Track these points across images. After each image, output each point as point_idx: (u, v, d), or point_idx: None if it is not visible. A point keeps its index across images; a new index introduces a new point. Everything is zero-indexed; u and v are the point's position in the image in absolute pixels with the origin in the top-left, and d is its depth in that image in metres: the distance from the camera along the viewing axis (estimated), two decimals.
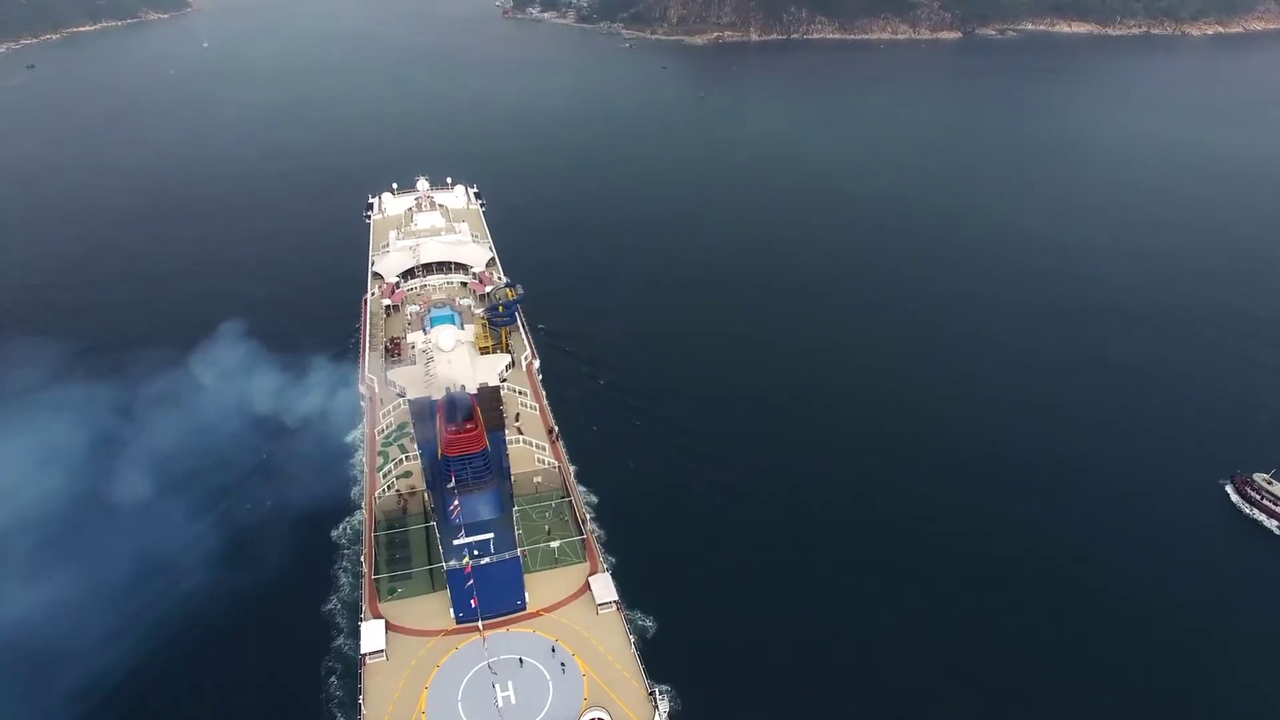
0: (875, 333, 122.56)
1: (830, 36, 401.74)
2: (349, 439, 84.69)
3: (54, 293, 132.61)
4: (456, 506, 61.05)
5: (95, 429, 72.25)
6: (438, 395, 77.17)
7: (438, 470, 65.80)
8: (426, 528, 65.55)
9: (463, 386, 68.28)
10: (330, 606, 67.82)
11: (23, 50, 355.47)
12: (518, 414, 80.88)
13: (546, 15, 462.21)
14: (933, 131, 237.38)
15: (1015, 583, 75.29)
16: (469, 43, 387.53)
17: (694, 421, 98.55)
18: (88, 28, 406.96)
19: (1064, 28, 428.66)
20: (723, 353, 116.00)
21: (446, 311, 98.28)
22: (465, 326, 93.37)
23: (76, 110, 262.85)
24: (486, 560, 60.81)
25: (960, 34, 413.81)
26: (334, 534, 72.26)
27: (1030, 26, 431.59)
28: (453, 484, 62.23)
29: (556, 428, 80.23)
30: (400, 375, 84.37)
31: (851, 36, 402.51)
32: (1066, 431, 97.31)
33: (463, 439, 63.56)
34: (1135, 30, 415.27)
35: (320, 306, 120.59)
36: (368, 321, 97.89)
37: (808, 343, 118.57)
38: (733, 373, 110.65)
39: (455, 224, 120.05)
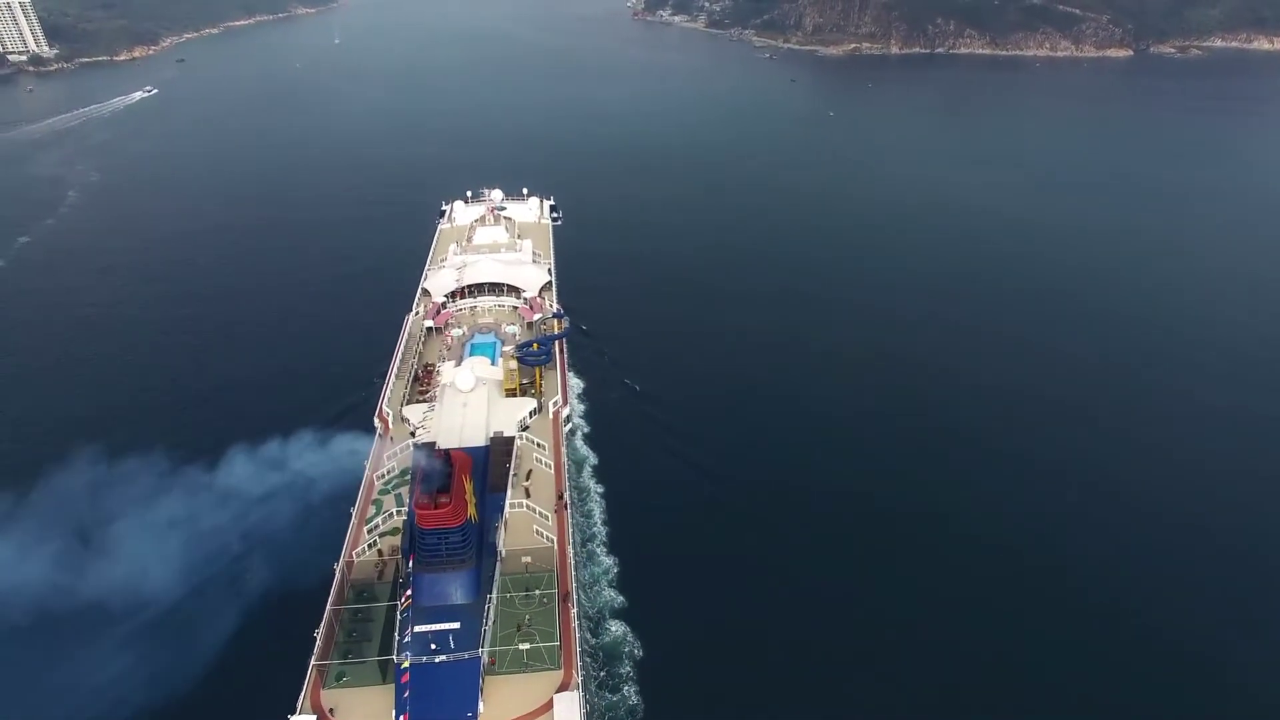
0: (1035, 411, 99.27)
1: (979, 52, 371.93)
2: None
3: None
4: (407, 598, 53.16)
5: None
6: (446, 442, 70.29)
7: (414, 538, 58.34)
8: (389, 606, 57.70)
9: (445, 454, 59.96)
10: None
11: (185, 43, 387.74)
12: (529, 471, 72.03)
13: (677, 19, 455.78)
14: (1097, 172, 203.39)
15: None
16: (596, 44, 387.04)
17: (765, 497, 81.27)
18: (242, 22, 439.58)
19: (1264, 44, 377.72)
20: (822, 420, 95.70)
21: (489, 339, 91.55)
22: (499, 361, 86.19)
23: (203, 105, 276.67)
24: (442, 659, 52.50)
25: (1131, 52, 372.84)
26: None
27: (1219, 43, 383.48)
28: (410, 566, 54.48)
29: (567, 494, 70.73)
30: (416, 412, 77.78)
31: (1004, 53, 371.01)
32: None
33: (435, 515, 55.68)
34: None
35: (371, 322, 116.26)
36: (402, 344, 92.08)
37: (936, 418, 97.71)
38: (837, 452, 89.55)
39: (519, 240, 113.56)
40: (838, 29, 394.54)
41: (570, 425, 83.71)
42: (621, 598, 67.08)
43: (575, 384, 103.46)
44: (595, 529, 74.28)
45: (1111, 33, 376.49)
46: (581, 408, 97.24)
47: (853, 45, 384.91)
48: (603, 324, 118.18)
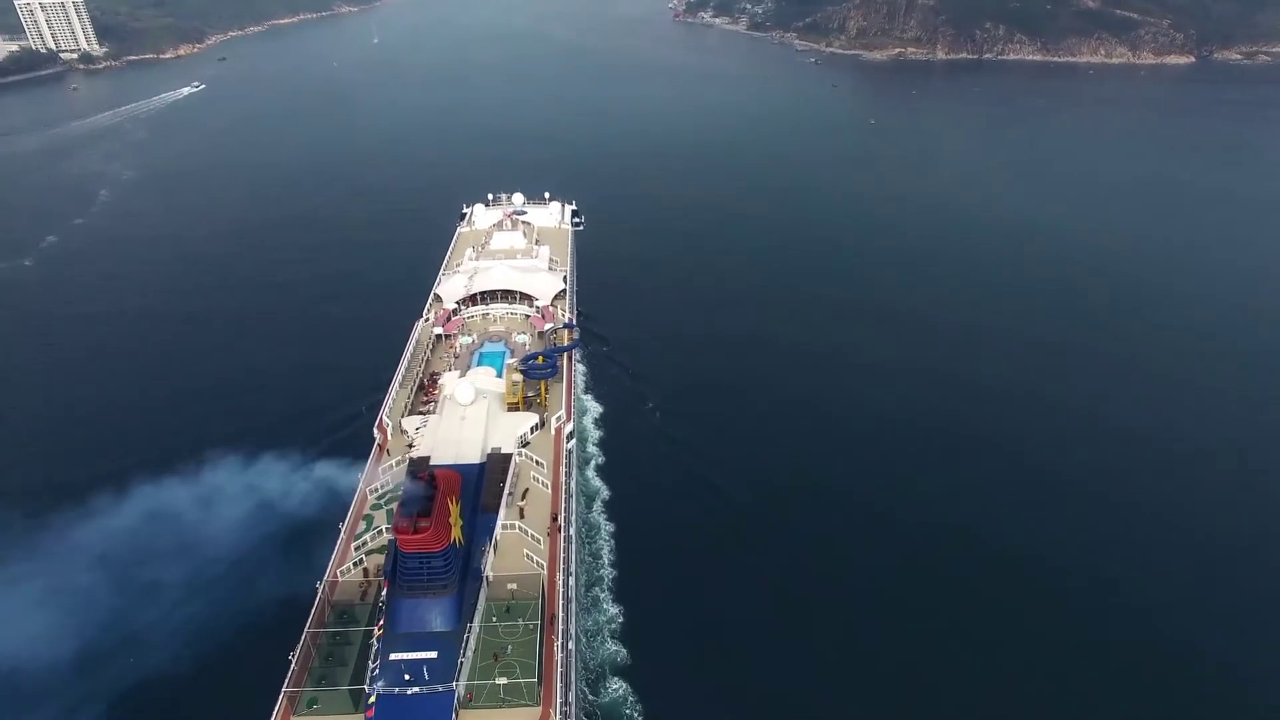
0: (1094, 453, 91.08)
1: (1029, 58, 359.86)
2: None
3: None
4: (379, 627, 50.79)
5: None
6: (441, 458, 67.91)
7: (395, 560, 55.95)
8: (366, 630, 55.35)
9: (430, 476, 57.26)
10: None
11: (230, 41, 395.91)
12: (526, 490, 69.29)
13: (718, 20, 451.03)
14: (1152, 184, 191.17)
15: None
16: (635, 44, 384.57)
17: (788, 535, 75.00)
18: (286, 20, 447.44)
19: None
20: (868, 449, 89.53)
21: (499, 347, 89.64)
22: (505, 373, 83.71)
23: (239, 103, 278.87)
24: (414, 691, 49.99)
25: (1192, 58, 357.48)
26: None
27: None
28: (384, 592, 52.14)
29: (563, 515, 67.67)
30: (414, 424, 75.64)
31: (1055, 59, 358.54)
32: None
33: (414, 539, 53.14)
34: None
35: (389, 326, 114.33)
36: (409, 351, 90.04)
37: (991, 438, 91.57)
38: (884, 489, 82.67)
39: (536, 246, 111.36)
40: (882, 33, 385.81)
41: (573, 443, 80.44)
42: (625, 652, 61.96)
43: (593, 407, 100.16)
44: (602, 572, 69.36)
45: (1172, 38, 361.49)
46: (598, 434, 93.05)
47: (897, 50, 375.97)
48: (626, 334, 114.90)
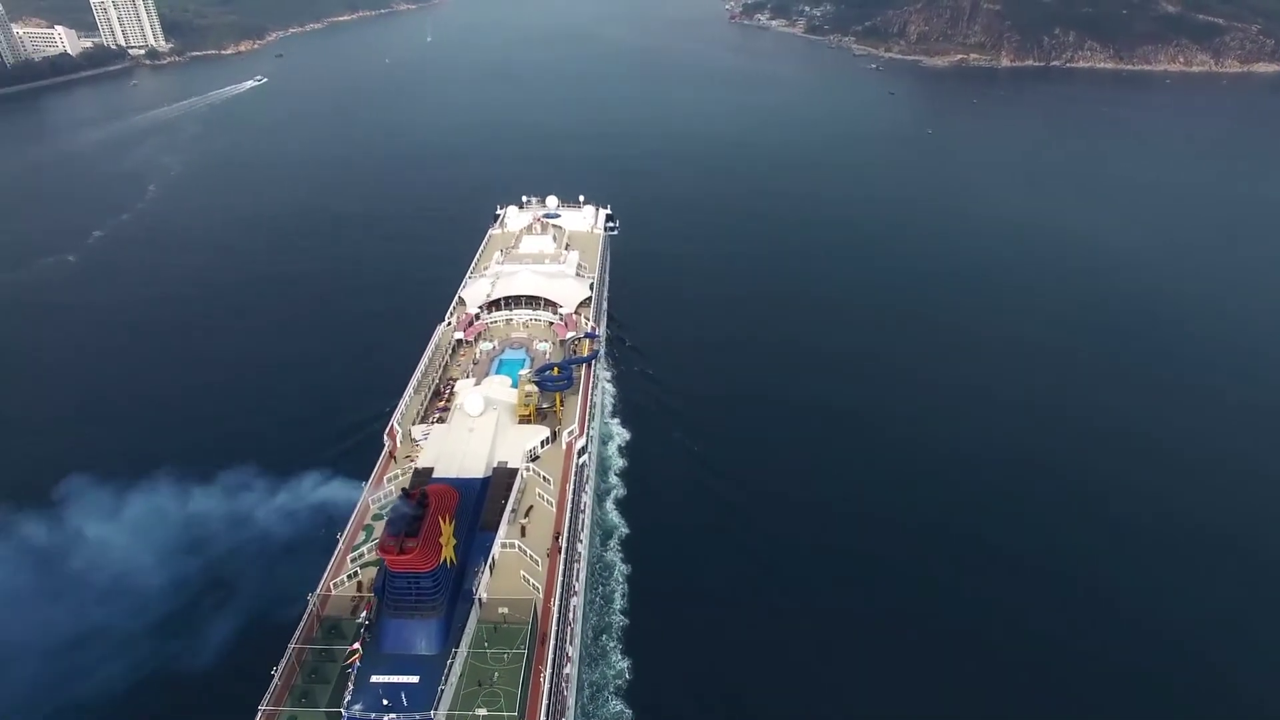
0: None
1: (1100, 66, 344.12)
2: None
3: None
4: (355, 651, 48.78)
5: None
6: (444, 471, 65.96)
7: (384, 578, 53.98)
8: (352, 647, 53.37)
9: (421, 494, 54.94)
10: None
11: (289, 37, 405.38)
12: (530, 508, 66.72)
13: (774, 23, 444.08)
14: (1237, 205, 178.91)
15: None
16: (689, 46, 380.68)
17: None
18: (346, 17, 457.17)
19: None
20: (925, 492, 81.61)
21: (519, 355, 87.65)
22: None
23: (292, 100, 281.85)
24: (390, 718, 47.87)
25: None
26: None
27: None
28: (364, 616, 50.20)
29: (565, 536, 64.90)
30: (422, 432, 73.93)
31: (1128, 67, 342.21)
32: None
33: (400, 560, 51.02)
34: None
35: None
36: (427, 356, 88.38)
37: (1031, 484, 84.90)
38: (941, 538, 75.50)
39: (565, 251, 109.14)
40: (944, 38, 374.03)
41: (585, 459, 77.55)
42: (630, 714, 56.99)
43: (620, 433, 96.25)
44: (612, 618, 64.55)
45: (1261, 44, 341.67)
46: (622, 463, 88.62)
47: (959, 56, 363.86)
48: (661, 348, 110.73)
